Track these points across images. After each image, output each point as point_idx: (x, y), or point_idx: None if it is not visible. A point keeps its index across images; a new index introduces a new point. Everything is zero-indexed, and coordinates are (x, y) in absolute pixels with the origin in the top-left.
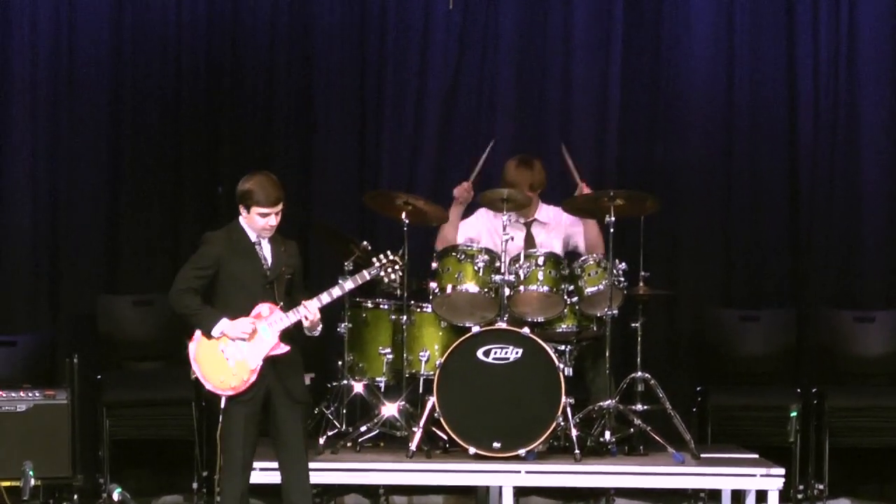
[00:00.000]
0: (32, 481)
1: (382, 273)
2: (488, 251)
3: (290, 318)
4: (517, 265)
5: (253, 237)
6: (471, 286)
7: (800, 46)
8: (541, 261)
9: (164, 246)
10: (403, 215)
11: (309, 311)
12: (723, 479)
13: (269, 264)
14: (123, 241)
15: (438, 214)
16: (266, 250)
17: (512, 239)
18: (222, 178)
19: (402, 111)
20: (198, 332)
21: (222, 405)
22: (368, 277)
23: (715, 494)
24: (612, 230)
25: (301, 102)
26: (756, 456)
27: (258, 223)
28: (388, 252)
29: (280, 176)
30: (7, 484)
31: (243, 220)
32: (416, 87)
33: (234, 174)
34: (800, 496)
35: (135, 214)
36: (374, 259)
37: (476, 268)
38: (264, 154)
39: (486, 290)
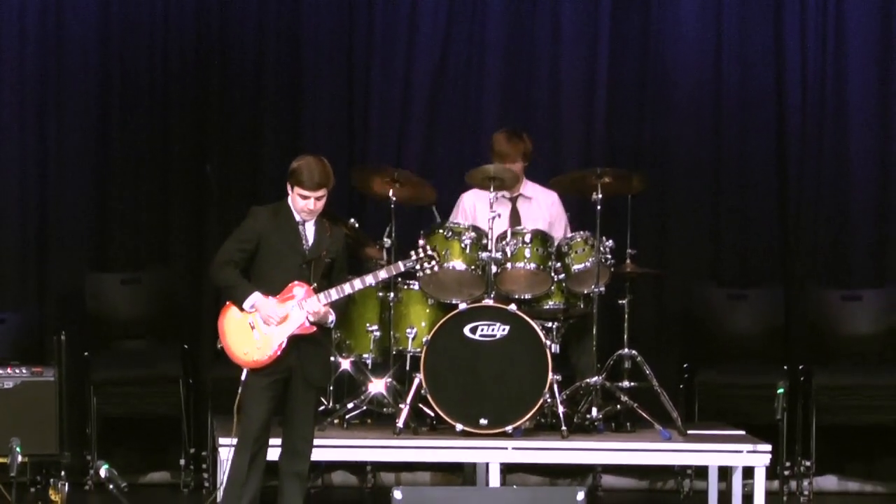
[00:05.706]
0: (20, 458)
1: (418, 266)
2: (475, 228)
3: (321, 300)
4: (504, 242)
5: (298, 217)
6: (458, 263)
7: (788, 24)
8: (528, 238)
9: (152, 224)
10: (390, 192)
11: (319, 304)
12: (710, 456)
13: (309, 245)
14: (111, 220)
15: (426, 192)
16: (309, 231)
17: (499, 216)
18: (210, 156)
19: (391, 89)
20: (229, 304)
21: (243, 377)
22: (403, 269)
23: (702, 471)
24: (599, 207)
25: (289, 80)
26: (743, 433)
27: (298, 204)
28: (427, 246)
29: (268, 153)
30: None
31: (290, 198)
32: (405, 65)
33: (222, 152)
34: (787, 472)
35: (123, 192)
36: (412, 252)
37: (463, 245)
38: (253, 132)
39: (473, 267)
